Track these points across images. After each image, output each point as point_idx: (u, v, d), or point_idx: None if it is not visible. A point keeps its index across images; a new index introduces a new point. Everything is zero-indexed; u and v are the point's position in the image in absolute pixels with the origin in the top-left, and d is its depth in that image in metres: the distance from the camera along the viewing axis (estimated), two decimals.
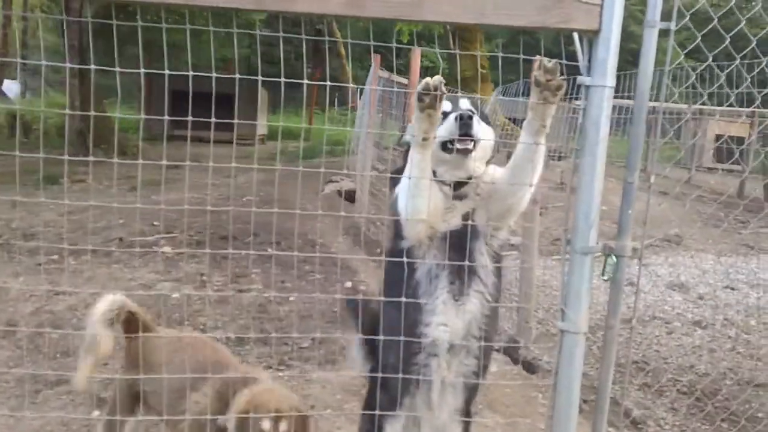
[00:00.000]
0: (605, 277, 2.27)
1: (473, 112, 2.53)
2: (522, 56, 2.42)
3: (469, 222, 2.59)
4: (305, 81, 2.39)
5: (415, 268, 2.58)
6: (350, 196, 10.16)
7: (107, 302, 2.88)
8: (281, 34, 2.30)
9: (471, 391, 2.72)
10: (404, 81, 8.73)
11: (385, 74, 9.27)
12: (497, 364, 5.04)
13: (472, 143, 2.49)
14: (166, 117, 2.35)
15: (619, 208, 2.29)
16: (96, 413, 3.98)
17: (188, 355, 2.86)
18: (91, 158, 2.44)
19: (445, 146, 2.53)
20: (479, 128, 2.53)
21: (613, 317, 2.27)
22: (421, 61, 12.33)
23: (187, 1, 2.11)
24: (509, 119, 12.01)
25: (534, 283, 5.44)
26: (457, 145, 2.48)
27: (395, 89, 8.89)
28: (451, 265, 2.55)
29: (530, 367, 4.95)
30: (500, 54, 2.58)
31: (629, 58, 3.05)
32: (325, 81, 2.43)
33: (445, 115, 2.54)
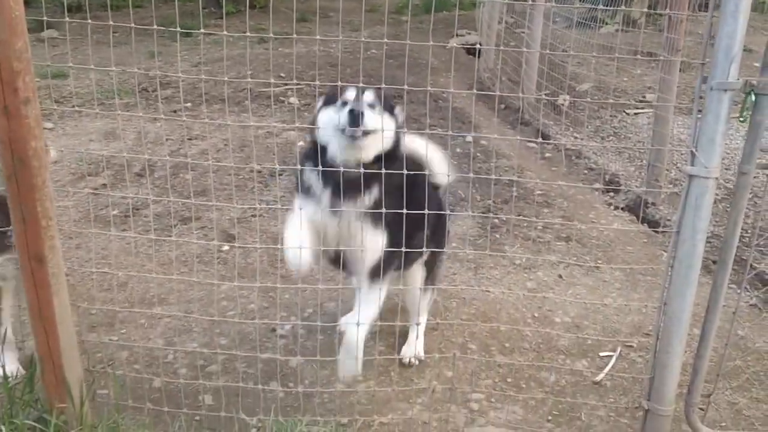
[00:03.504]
0: (742, 119, 2.06)
1: (374, 105, 2.61)
2: None
3: None
4: None
5: None
6: (475, 51, 9.77)
7: None
8: None
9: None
10: None
11: None
12: (621, 222, 4.87)
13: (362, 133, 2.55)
14: None
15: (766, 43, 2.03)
16: (225, 247, 4.24)
17: None
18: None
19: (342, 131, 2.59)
20: (372, 120, 2.55)
21: (748, 162, 2.07)
22: None
23: None
24: None
25: (668, 140, 5.09)
26: (347, 132, 2.55)
27: None
28: None
29: (657, 227, 4.73)
30: None
31: None
32: None
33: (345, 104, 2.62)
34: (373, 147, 2.57)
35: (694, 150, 2.08)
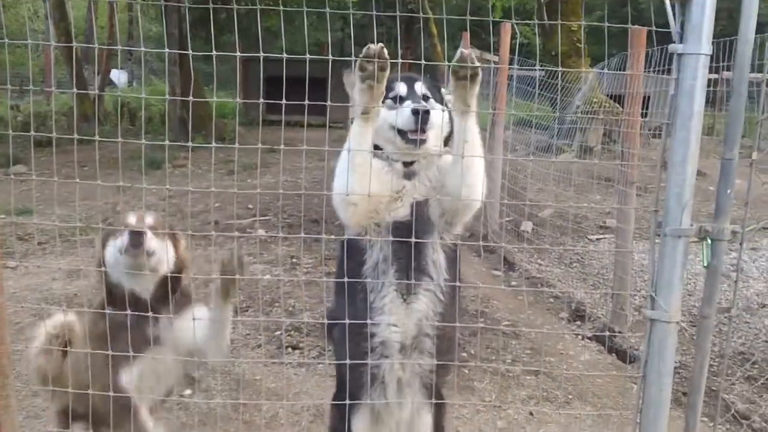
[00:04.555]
0: (705, 264, 2.09)
1: (428, 97, 2.46)
2: (627, 26, 2.26)
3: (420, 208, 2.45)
4: (399, 60, 2.29)
5: (363, 260, 2.43)
6: None
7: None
8: (374, 12, 2.26)
9: (434, 386, 2.58)
10: (495, 58, 8.50)
11: (476, 52, 9.03)
12: (589, 353, 4.84)
13: (427, 135, 2.39)
14: (262, 101, 2.35)
15: (717, 188, 2.10)
16: (187, 391, 4.09)
17: None
18: (190, 144, 2.49)
19: (401, 133, 2.41)
20: (435, 116, 2.39)
21: (709, 306, 2.09)
22: (515, 38, 11.99)
23: None
24: (609, 96, 11.50)
25: (630, 268, 5.18)
26: (410, 136, 2.38)
27: (484, 65, 8.64)
28: (398, 261, 2.40)
29: (625, 357, 4.72)
30: (604, 24, 2.41)
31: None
32: (417, 61, 2.36)
33: (401, 99, 2.43)
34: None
35: (653, 294, 2.10)
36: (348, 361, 2.32)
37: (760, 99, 2.29)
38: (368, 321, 2.37)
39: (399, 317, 2.42)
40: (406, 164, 2.48)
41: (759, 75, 2.19)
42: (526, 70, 8.83)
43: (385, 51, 2.18)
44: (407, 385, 2.51)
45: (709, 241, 2.07)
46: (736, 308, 2.51)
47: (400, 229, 2.39)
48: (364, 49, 2.18)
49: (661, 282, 2.10)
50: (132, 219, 2.68)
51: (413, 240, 2.32)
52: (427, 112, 2.34)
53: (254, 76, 15.77)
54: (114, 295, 2.66)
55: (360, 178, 2.27)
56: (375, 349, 2.43)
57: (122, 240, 2.60)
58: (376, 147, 2.40)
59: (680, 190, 2.03)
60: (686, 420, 2.32)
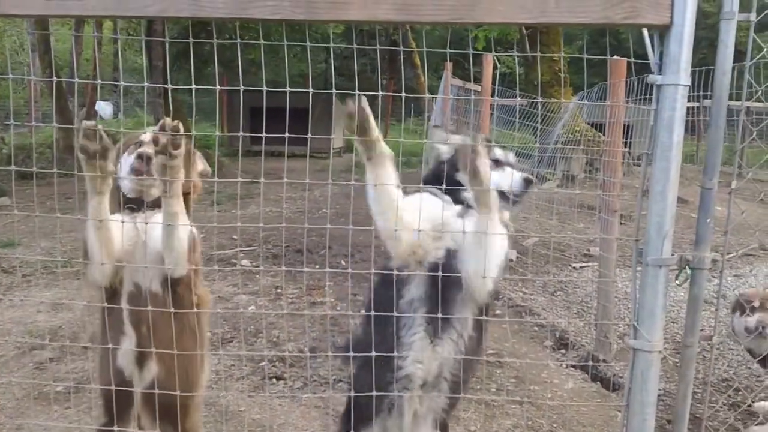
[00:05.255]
0: (678, 282, 2.10)
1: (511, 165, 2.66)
2: (607, 57, 2.30)
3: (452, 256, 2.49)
4: (380, 93, 2.31)
5: (402, 293, 2.50)
6: None
7: None
8: (355, 46, 2.28)
9: (444, 420, 2.68)
10: (478, 88, 8.60)
11: (458, 82, 9.15)
12: (574, 381, 4.83)
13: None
14: (241, 134, 2.36)
15: (697, 217, 2.12)
16: None
17: None
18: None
19: (502, 193, 2.53)
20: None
21: (691, 335, 2.10)
22: (498, 68, 12.14)
23: (236, 14, 2.06)
24: (591, 124, 11.64)
25: (613, 296, 5.19)
26: (513, 198, 2.56)
27: (465, 97, 8.77)
28: (428, 303, 2.47)
29: (609, 385, 4.71)
30: (585, 55, 2.44)
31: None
32: (399, 92, 2.38)
33: (498, 162, 2.62)
34: None
35: (635, 324, 2.11)
36: (373, 393, 2.41)
37: (738, 127, 2.32)
38: (395, 354, 2.46)
39: (425, 356, 2.51)
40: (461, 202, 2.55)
41: (738, 103, 2.22)
42: (508, 100, 8.93)
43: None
44: (422, 417, 2.61)
45: (689, 270, 2.08)
46: (718, 336, 2.52)
47: (434, 271, 2.43)
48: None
49: (643, 312, 2.10)
50: (145, 137, 2.59)
51: (440, 280, 2.35)
52: (531, 182, 2.54)
53: (238, 108, 15.84)
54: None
55: (387, 214, 2.38)
56: (399, 381, 2.52)
57: (129, 161, 2.56)
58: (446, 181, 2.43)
59: (660, 220, 2.05)
60: None
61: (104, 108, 24.39)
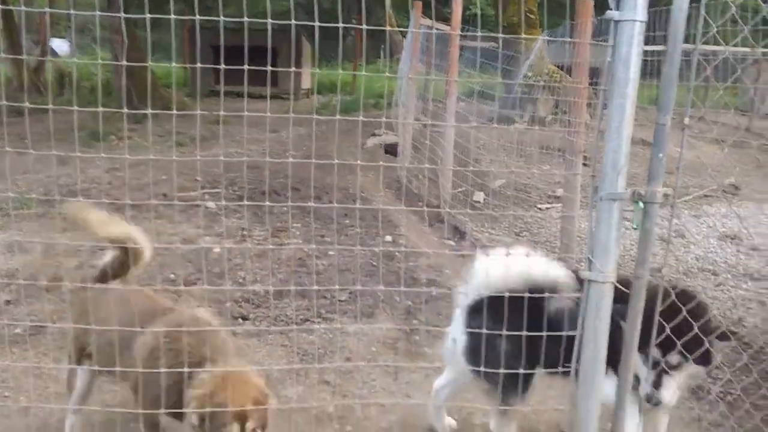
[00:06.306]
0: (636, 226, 2.16)
1: None
2: None
3: None
4: (340, 25, 2.26)
5: None
6: (393, 150, 10.06)
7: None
8: None
9: None
10: (447, 28, 8.51)
11: (428, 22, 9.04)
12: None
13: None
14: (199, 65, 2.31)
15: (651, 152, 2.16)
16: None
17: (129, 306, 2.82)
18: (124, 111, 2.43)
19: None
20: None
21: (641, 267, 2.16)
22: (468, 8, 11.99)
23: None
24: (557, 65, 11.63)
25: (575, 234, 5.29)
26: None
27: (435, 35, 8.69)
28: None
29: None
30: None
31: None
32: (372, 27, 2.34)
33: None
34: None
35: (590, 257, 2.16)
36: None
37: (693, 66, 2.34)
38: None
39: None
40: None
41: (692, 46, 2.23)
42: (472, 40, 8.86)
43: None
44: None
45: (641, 204, 2.13)
46: (667, 268, 2.60)
47: None
48: None
49: (598, 244, 2.16)
50: None
51: None
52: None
53: (201, 46, 15.52)
54: None
55: None
56: None
57: None
58: None
59: (616, 156, 2.09)
60: (619, 376, 2.40)
61: (60, 46, 23.71)
